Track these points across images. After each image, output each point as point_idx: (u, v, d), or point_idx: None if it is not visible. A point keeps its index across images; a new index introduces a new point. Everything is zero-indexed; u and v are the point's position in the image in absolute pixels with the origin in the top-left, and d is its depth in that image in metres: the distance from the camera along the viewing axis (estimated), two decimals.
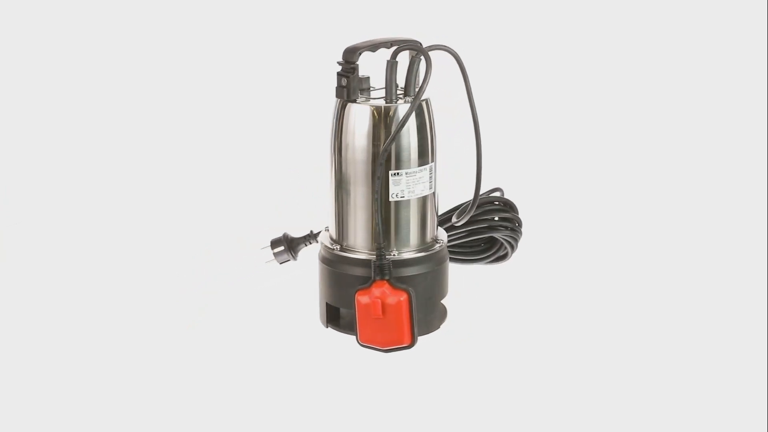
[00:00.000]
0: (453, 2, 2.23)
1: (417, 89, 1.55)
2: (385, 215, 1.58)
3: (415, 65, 1.58)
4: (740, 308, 1.75)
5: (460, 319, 1.71)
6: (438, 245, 1.64)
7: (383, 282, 1.54)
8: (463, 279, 1.78)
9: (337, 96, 1.58)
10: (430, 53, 1.55)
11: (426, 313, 1.61)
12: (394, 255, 1.59)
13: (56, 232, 1.95)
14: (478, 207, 1.68)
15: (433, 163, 1.61)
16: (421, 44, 1.58)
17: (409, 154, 1.58)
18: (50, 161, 2.12)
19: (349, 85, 1.56)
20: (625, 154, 2.24)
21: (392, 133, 1.54)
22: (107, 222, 1.99)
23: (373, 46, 1.57)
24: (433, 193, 1.62)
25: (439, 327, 1.66)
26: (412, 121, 1.57)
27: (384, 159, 1.54)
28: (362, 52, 1.57)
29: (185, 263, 1.86)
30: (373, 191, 1.55)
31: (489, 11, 2.24)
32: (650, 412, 1.46)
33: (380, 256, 1.56)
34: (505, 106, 2.21)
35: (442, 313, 1.69)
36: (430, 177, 1.61)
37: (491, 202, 1.76)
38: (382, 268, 1.55)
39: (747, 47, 2.24)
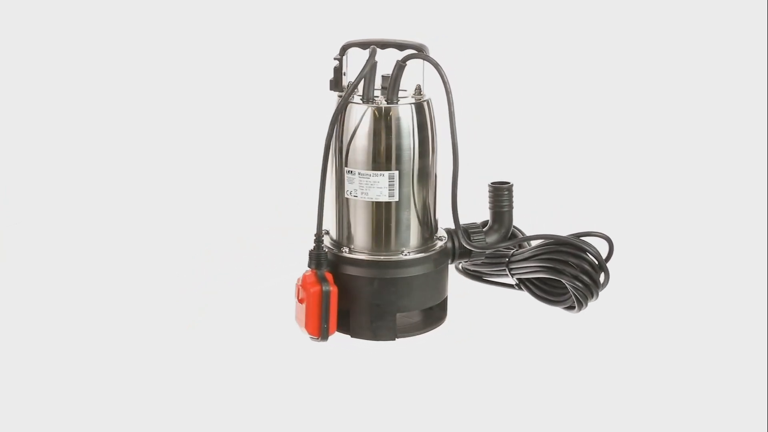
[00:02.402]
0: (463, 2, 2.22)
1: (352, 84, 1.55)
2: (340, 209, 1.61)
3: (395, 70, 1.56)
4: (741, 309, 1.73)
5: (460, 320, 1.68)
6: (398, 256, 1.60)
7: (313, 271, 1.57)
8: (462, 279, 1.75)
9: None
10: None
11: (373, 319, 1.60)
12: (344, 251, 1.61)
13: (56, 232, 1.97)
14: (561, 244, 1.62)
15: (396, 172, 1.57)
16: (424, 48, 1.57)
17: (364, 156, 1.57)
18: (50, 161, 2.14)
19: (334, 77, 1.58)
20: (628, 155, 2.23)
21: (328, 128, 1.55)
22: (107, 222, 2.00)
23: (363, 45, 1.57)
24: (399, 202, 1.58)
25: (394, 339, 1.61)
26: (370, 124, 1.56)
27: (326, 153, 1.55)
28: (350, 48, 1.58)
29: (185, 263, 1.86)
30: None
31: (496, 11, 2.22)
32: (650, 412, 1.45)
33: (316, 245, 1.58)
34: (506, 106, 2.20)
35: (415, 325, 1.66)
36: (391, 185, 1.57)
37: (579, 247, 1.62)
38: (317, 258, 1.58)
39: (747, 47, 2.23)
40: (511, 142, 2.22)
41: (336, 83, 1.59)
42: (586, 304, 1.63)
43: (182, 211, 2.04)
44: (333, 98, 1.60)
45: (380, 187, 1.57)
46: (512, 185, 1.69)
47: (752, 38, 2.22)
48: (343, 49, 1.59)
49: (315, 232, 1.58)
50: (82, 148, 2.16)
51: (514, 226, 1.76)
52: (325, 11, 2.16)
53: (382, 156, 1.57)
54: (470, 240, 1.65)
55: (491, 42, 2.20)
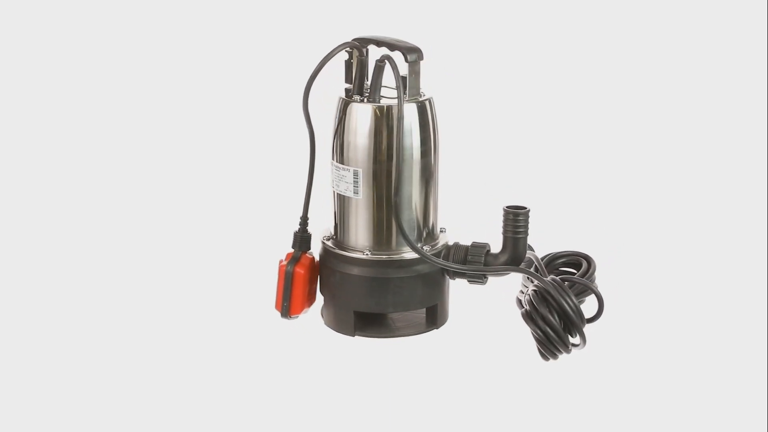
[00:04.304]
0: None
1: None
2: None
3: (374, 70, 1.54)
4: (741, 309, 1.71)
5: (459, 320, 1.65)
6: (360, 254, 1.58)
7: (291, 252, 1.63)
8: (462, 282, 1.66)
9: None
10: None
11: (334, 310, 1.61)
12: (324, 239, 1.63)
13: (56, 233, 1.97)
14: (544, 291, 1.49)
15: (360, 169, 1.54)
16: (417, 50, 1.53)
17: (337, 149, 1.57)
18: (50, 162, 2.14)
19: (345, 70, 1.59)
20: (627, 157, 2.18)
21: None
22: (107, 222, 2.01)
23: (365, 42, 1.56)
24: (362, 200, 1.56)
25: (352, 335, 1.60)
26: (341, 118, 1.56)
27: (311, 138, 1.57)
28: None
29: (185, 263, 1.87)
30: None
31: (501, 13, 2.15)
32: (649, 413, 1.42)
33: (300, 228, 1.61)
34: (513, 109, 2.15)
35: (386, 329, 1.63)
36: (355, 181, 1.55)
37: (557, 300, 1.47)
38: (300, 240, 1.62)
39: (747, 47, 2.17)
40: (513, 145, 2.15)
41: (348, 76, 1.59)
42: (553, 358, 1.49)
43: (183, 212, 2.04)
44: (335, 96, 1.59)
45: (347, 182, 1.56)
46: (529, 210, 1.58)
47: (752, 39, 2.16)
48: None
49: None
50: (83, 150, 2.15)
51: (582, 255, 1.66)
52: (331, 10, 2.10)
53: (347, 150, 1.56)
54: (464, 260, 1.58)
55: (498, 44, 2.15)
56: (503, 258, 1.58)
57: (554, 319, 1.46)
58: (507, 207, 1.58)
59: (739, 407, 1.43)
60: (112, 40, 2.17)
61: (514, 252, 1.58)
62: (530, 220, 1.59)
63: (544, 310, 1.47)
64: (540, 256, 1.67)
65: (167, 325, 1.66)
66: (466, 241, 1.63)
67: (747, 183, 2.11)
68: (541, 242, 1.68)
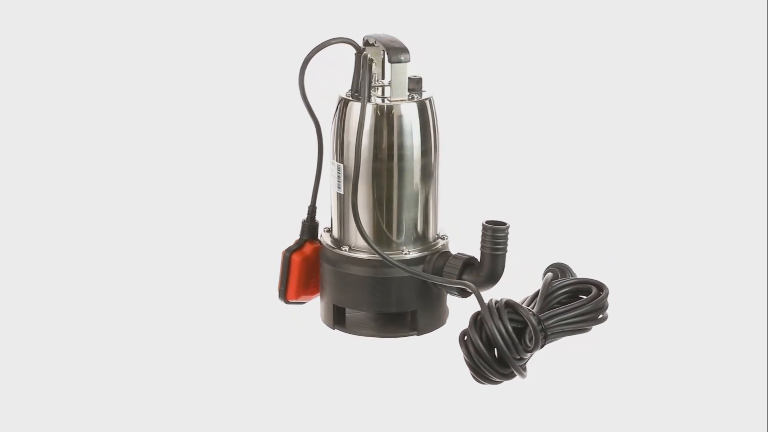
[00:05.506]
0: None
1: None
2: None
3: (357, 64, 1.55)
4: (740, 309, 1.69)
5: (451, 327, 1.60)
6: (340, 250, 1.58)
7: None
8: None
9: None
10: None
11: (323, 302, 1.63)
12: (323, 231, 1.65)
13: (55, 233, 1.97)
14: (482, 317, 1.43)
15: (342, 164, 1.55)
16: (404, 50, 1.51)
17: (331, 145, 1.59)
18: (50, 162, 2.12)
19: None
20: (630, 157, 2.13)
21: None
22: (108, 222, 2.01)
23: (367, 41, 1.56)
24: (342, 195, 1.56)
25: (332, 327, 1.62)
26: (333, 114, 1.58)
27: (317, 132, 1.59)
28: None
29: (185, 264, 1.86)
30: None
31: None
32: (649, 414, 1.42)
33: (308, 217, 1.64)
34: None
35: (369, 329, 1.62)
36: (339, 177, 1.56)
37: (490, 328, 1.39)
38: (308, 229, 1.64)
39: (747, 47, 2.14)
40: (516, 146, 2.09)
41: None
42: (488, 383, 1.41)
43: (183, 212, 2.01)
44: (334, 97, 1.59)
45: (333, 176, 1.58)
46: (508, 226, 1.51)
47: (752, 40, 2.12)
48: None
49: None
50: (84, 150, 2.13)
51: (593, 282, 1.56)
52: (336, 9, 2.03)
53: (336, 146, 1.57)
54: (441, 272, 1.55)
55: (499, 44, 2.10)
56: (479, 274, 1.53)
57: (482, 346, 1.39)
58: (486, 222, 1.52)
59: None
60: (109, 37, 2.18)
61: (492, 269, 1.51)
62: (530, 221, 1.59)
63: (474, 335, 1.40)
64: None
65: (166, 313, 1.70)
66: (470, 251, 1.58)
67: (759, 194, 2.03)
68: (542, 245, 1.67)
